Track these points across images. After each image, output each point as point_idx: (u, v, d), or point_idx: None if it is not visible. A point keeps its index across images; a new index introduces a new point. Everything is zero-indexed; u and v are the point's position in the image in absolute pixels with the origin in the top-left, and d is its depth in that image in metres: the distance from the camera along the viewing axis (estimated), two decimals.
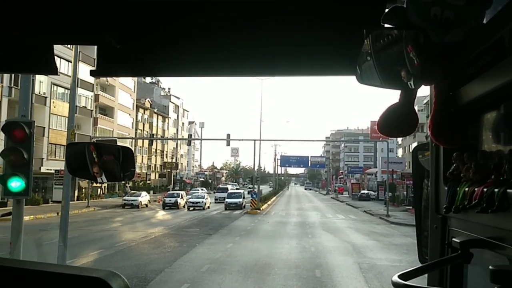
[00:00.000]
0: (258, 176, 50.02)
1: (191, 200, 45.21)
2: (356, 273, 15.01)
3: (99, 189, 65.21)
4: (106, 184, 65.29)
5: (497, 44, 1.27)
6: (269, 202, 58.50)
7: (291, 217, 38.48)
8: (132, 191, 50.82)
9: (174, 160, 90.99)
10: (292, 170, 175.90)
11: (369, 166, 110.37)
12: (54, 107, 49.61)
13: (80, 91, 54.02)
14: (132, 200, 47.68)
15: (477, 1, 1.37)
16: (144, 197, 49.75)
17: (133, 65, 1.54)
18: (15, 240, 7.49)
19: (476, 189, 1.42)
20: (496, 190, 1.31)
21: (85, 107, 56.06)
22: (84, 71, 53.57)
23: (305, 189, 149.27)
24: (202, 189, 74.02)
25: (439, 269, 1.78)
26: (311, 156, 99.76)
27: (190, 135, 71.86)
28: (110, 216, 36.16)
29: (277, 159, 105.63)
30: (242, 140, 40.29)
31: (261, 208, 45.23)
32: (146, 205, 49.89)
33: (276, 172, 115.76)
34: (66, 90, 51.69)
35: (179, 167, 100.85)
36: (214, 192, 61.66)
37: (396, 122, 1.51)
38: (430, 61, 1.35)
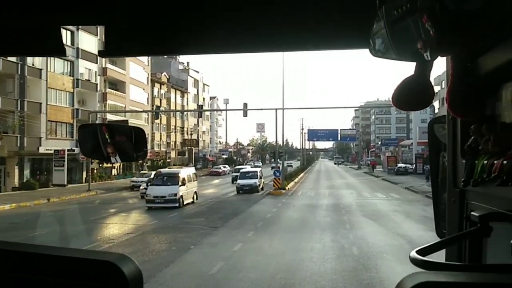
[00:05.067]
0: (282, 151, 43.78)
1: None
2: None
3: (113, 170, 60.70)
4: (120, 165, 60.78)
5: None
6: (296, 180, 52.35)
7: (321, 198, 32.37)
8: (142, 171, 45.41)
9: (194, 137, 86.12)
10: (320, 145, 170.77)
11: (402, 138, 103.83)
12: (53, 81, 44.24)
13: (82, 62, 48.77)
14: (142, 182, 42.44)
15: None
16: None
17: (143, 44, 1.51)
18: None
19: (495, 162, 1.41)
20: None
21: (89, 80, 50.64)
22: (86, 41, 48.55)
23: (335, 163, 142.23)
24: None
25: (457, 244, 1.74)
26: (340, 129, 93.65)
27: (201, 106, 65.80)
28: (110, 202, 30.86)
29: (305, 133, 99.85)
30: (262, 109, 33.87)
31: (287, 188, 39.22)
32: None
33: (303, 147, 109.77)
34: (66, 62, 46.47)
35: (201, 144, 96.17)
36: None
37: (411, 95, 1.44)
38: (446, 30, 1.26)
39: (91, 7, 1.22)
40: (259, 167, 59.97)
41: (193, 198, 29.66)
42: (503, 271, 1.09)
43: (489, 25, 1.32)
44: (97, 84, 52.12)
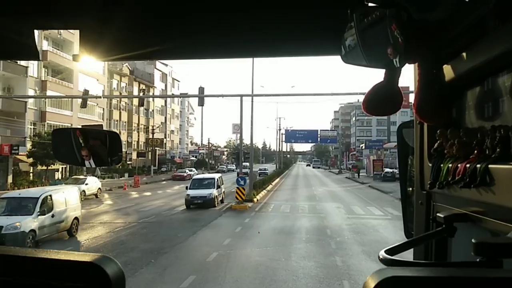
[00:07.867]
0: (248, 151, 35.12)
1: None
2: None
3: (56, 173, 51.05)
4: (67, 166, 51.10)
5: (479, 21, 1.30)
6: (269, 188, 43.56)
7: (299, 217, 23.79)
8: (76, 177, 36.24)
9: (159, 137, 76.89)
10: (298, 147, 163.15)
11: (384, 141, 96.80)
12: None
13: None
14: None
15: None
16: (91, 185, 35.37)
17: (118, 49, 1.50)
18: None
19: (459, 165, 1.45)
20: (478, 165, 1.33)
21: (16, 62, 41.07)
22: None
23: (313, 167, 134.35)
24: None
25: (424, 244, 1.78)
26: (320, 130, 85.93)
27: (143, 90, 56.52)
28: None
29: (282, 134, 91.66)
30: (223, 96, 26.34)
31: (255, 199, 30.54)
32: (96, 195, 35.61)
33: (280, 149, 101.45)
34: None
35: (169, 144, 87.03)
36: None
37: (381, 101, 1.50)
38: (414, 39, 1.33)
39: (65, 11, 1.22)
40: (233, 170, 50.49)
41: None
42: (465, 267, 1.13)
43: (453, 34, 1.39)
44: (27, 67, 42.58)
